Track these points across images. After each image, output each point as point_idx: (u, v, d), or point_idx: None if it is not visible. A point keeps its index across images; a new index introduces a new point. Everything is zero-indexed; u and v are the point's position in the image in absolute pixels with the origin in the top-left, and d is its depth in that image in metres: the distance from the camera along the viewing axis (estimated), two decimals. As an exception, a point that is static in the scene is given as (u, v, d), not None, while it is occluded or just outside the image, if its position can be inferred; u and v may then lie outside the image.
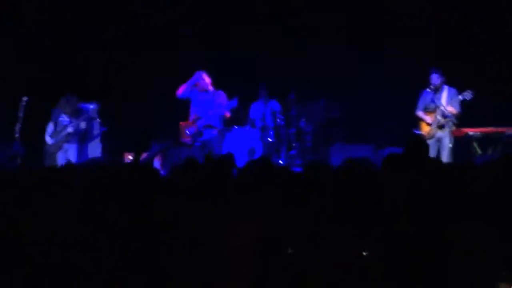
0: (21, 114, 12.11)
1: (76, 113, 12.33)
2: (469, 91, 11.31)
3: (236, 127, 13.08)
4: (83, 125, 12.16)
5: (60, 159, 12.01)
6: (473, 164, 5.62)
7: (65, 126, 12.08)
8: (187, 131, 11.57)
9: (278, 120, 13.26)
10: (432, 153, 11.44)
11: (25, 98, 12.14)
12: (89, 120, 12.39)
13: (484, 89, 12.10)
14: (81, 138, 12.36)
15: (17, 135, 12.07)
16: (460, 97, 11.35)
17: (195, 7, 14.76)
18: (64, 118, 12.19)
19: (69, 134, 12.06)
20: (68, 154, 12.11)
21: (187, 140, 11.61)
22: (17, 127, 12.08)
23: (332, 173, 5.33)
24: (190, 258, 3.40)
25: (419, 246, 4.19)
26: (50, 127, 12.32)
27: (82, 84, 13.64)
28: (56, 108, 12.31)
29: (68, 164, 7.26)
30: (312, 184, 5.55)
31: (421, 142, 6.65)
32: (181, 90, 11.77)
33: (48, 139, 12.27)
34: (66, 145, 12.18)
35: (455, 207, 4.66)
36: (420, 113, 11.71)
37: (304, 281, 4.05)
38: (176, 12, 14.80)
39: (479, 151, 11.51)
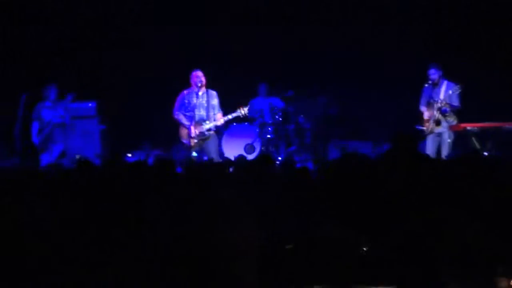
0: (20, 113, 12.00)
1: (57, 104, 12.18)
2: (458, 85, 11.35)
3: (235, 124, 13.08)
4: (62, 113, 11.98)
5: (44, 160, 11.79)
6: (463, 158, 5.63)
7: (49, 122, 11.92)
8: (191, 135, 11.52)
9: (277, 117, 13.26)
10: (432, 148, 11.46)
11: (23, 96, 12.01)
12: (67, 110, 12.22)
13: (483, 85, 12.12)
14: (65, 132, 12.15)
15: (16, 133, 11.93)
16: (451, 91, 11.38)
17: (194, 4, 14.75)
18: (46, 112, 12.03)
19: (54, 126, 11.88)
20: (52, 154, 11.92)
21: (186, 141, 11.57)
22: (17, 125, 11.94)
23: (331, 169, 5.34)
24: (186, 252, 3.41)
25: (416, 242, 4.19)
26: (35, 126, 12.06)
27: (81, 82, 13.65)
28: (38, 104, 12.17)
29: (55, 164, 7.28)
30: (312, 180, 5.57)
31: (408, 138, 6.63)
32: (175, 111, 11.72)
33: (35, 139, 12.08)
34: (51, 145, 11.98)
35: (450, 202, 4.67)
36: (423, 109, 11.74)
37: (303, 276, 4.06)
38: (174, 10, 14.79)
39: (477, 146, 11.50)
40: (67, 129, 12.21)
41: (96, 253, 4.00)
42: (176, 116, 11.57)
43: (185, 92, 11.61)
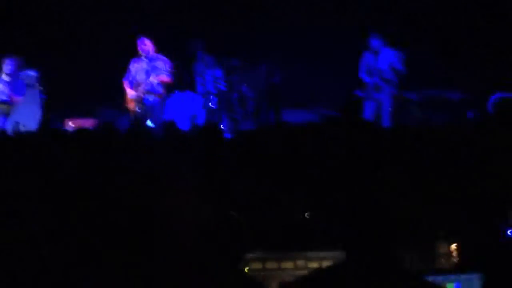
0: None
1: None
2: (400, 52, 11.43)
3: (177, 92, 13.03)
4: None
5: None
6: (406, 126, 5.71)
7: None
8: (130, 97, 11.51)
9: (220, 86, 13.23)
10: (370, 115, 11.53)
11: None
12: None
13: (424, 52, 12.25)
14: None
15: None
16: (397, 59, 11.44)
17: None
18: None
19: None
20: None
21: (128, 106, 11.55)
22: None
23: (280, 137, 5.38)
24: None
25: (359, 207, 4.24)
26: None
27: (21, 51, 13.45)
28: None
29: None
30: (264, 150, 5.60)
31: (354, 105, 6.70)
32: (125, 78, 11.69)
33: None
34: None
35: (392, 169, 4.72)
36: (363, 76, 11.78)
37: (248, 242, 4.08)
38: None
39: (418, 114, 11.64)
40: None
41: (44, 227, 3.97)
42: (124, 82, 11.63)
43: (133, 60, 11.63)
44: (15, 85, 11.64)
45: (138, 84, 11.46)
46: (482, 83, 12.39)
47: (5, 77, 11.63)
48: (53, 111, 13.08)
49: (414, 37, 12.86)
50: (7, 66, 11.60)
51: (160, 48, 11.83)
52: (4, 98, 11.54)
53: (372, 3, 13.70)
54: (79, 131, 7.32)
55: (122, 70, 11.92)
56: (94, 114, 13.46)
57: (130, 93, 11.56)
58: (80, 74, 13.84)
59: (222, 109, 13.17)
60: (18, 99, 11.64)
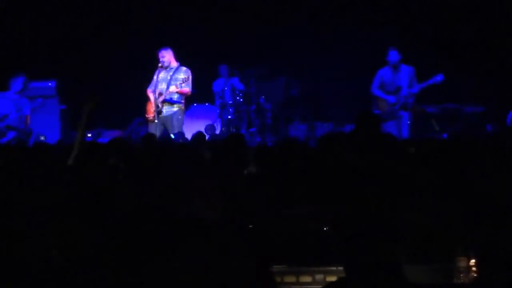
0: None
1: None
2: (440, 74, 11.22)
3: (195, 105, 13.06)
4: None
5: None
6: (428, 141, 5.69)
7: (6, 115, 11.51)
8: (151, 109, 11.55)
9: (238, 98, 13.26)
10: (393, 131, 11.44)
11: None
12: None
13: (443, 66, 12.19)
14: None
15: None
16: (431, 81, 11.25)
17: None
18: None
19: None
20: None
21: (149, 116, 11.60)
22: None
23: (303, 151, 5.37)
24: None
25: (377, 222, 4.21)
26: None
27: (38, 62, 13.52)
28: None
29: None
30: (280, 161, 5.59)
31: (372, 119, 6.68)
32: (148, 87, 11.75)
33: None
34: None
35: (412, 184, 4.71)
36: (377, 92, 11.66)
37: (265, 256, 4.07)
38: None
39: (437, 127, 11.58)
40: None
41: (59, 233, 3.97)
42: (148, 92, 11.69)
43: (157, 70, 11.70)
44: (21, 103, 11.56)
45: (159, 95, 11.49)
46: (501, 97, 12.36)
47: (13, 95, 11.56)
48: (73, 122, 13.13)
49: (431, 51, 12.85)
50: (15, 84, 11.53)
51: (181, 58, 11.86)
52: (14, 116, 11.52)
53: (390, 18, 13.67)
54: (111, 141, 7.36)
55: (145, 80, 11.96)
56: (121, 125, 13.49)
57: (151, 103, 11.60)
58: (105, 86, 13.91)
59: (239, 120, 13.19)
60: (26, 115, 11.60)
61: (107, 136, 12.30)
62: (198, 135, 8.85)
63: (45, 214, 4.13)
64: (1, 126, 11.32)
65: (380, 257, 3.14)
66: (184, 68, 11.63)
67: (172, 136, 11.07)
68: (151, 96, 11.59)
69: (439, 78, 11.11)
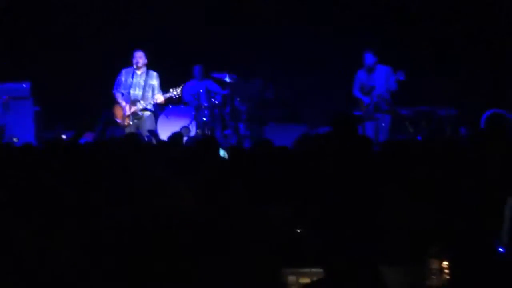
0: None
1: None
2: (401, 71, 11.39)
3: (170, 106, 13.03)
4: None
5: None
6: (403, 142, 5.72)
7: None
8: (125, 114, 11.49)
9: (213, 100, 13.23)
10: (371, 133, 11.50)
11: None
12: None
13: (417, 69, 12.25)
14: None
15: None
16: (392, 78, 11.43)
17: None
18: None
19: None
20: None
21: (120, 120, 11.55)
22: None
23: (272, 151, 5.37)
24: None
25: (350, 222, 4.23)
26: None
27: (14, 62, 13.45)
28: None
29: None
30: (254, 162, 5.59)
31: (348, 120, 6.70)
32: (114, 89, 11.68)
33: None
34: None
35: (387, 184, 4.72)
36: (356, 93, 11.77)
37: (239, 258, 4.07)
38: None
39: (411, 130, 11.63)
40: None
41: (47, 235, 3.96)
42: (114, 94, 11.59)
43: (123, 70, 11.61)
44: None
45: (134, 102, 11.43)
46: (475, 99, 12.42)
47: None
48: (47, 123, 13.08)
49: (407, 53, 12.89)
50: None
51: (153, 60, 11.83)
52: None
53: (367, 17, 13.69)
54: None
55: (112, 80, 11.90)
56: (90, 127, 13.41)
57: (126, 109, 11.52)
58: (74, 86, 13.83)
59: (214, 122, 13.17)
60: None
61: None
62: (177, 135, 8.82)
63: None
64: None
65: (358, 259, 3.15)
66: (155, 73, 11.62)
67: (145, 136, 11.05)
68: (120, 99, 11.53)
69: (400, 76, 11.28)
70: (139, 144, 7.19)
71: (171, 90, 11.50)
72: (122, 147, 6.56)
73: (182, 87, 11.74)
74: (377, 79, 11.60)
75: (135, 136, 9.05)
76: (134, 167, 5.36)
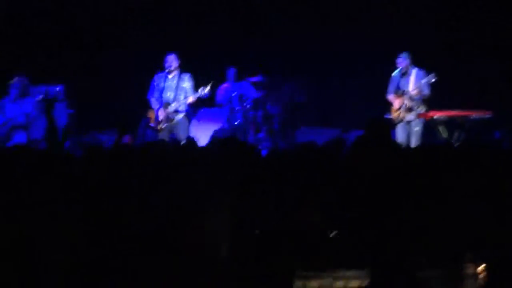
0: None
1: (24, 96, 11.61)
2: (432, 73, 11.36)
3: (204, 109, 13.04)
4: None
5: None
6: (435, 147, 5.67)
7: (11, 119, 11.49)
8: (157, 118, 11.51)
9: (245, 103, 13.24)
10: (402, 137, 11.45)
11: None
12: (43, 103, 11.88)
13: (452, 72, 12.18)
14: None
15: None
16: (424, 80, 11.39)
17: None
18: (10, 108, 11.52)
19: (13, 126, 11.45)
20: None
21: (154, 125, 11.58)
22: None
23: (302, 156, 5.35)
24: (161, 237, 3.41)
25: (384, 229, 4.21)
26: None
27: (48, 65, 13.54)
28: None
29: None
30: (285, 166, 5.57)
31: (382, 125, 6.67)
32: (149, 94, 11.72)
33: None
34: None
35: (421, 191, 4.69)
36: (390, 97, 11.74)
37: (273, 262, 4.07)
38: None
39: (444, 134, 11.56)
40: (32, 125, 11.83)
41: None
42: (149, 99, 11.64)
43: (156, 75, 11.65)
44: (24, 103, 11.57)
45: (166, 105, 11.46)
46: (509, 103, 12.34)
47: (15, 97, 11.59)
48: (81, 126, 13.16)
49: (440, 55, 12.84)
50: (16, 85, 11.52)
51: (186, 64, 11.85)
52: (19, 119, 11.51)
53: (402, 19, 13.65)
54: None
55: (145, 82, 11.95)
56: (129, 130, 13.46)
57: (159, 113, 11.54)
58: (106, 89, 13.92)
59: (247, 125, 13.18)
60: (32, 115, 11.60)
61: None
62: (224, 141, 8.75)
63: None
64: (6, 129, 11.34)
65: (401, 263, 3.14)
66: (187, 75, 11.60)
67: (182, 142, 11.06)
68: (155, 104, 11.56)
69: (431, 78, 11.26)
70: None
71: (199, 90, 11.47)
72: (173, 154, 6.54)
73: (211, 86, 11.66)
74: (410, 82, 11.55)
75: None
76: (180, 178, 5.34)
